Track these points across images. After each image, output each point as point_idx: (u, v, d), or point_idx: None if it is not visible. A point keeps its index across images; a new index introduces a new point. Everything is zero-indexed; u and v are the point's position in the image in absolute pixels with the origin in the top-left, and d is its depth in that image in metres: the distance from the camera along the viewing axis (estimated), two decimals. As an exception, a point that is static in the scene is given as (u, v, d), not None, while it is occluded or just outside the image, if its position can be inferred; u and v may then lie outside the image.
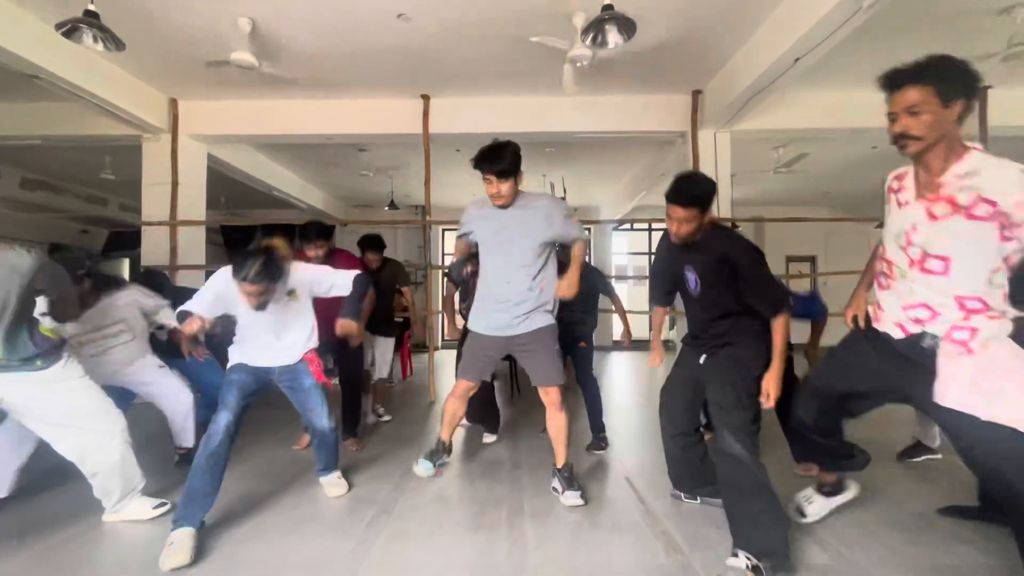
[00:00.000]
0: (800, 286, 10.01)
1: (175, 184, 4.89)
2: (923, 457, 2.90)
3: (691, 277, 2.05)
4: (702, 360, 2.09)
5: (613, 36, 2.44)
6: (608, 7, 2.40)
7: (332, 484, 2.53)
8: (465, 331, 2.72)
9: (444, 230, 10.18)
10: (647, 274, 10.56)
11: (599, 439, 3.15)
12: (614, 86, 4.66)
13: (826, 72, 4.19)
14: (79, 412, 2.06)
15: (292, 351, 2.35)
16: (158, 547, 1.84)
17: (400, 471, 2.85)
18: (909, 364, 1.55)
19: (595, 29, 2.45)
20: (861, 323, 1.72)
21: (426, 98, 4.84)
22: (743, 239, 2.04)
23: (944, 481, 2.63)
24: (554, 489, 2.47)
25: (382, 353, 3.81)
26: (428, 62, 4.19)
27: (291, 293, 2.30)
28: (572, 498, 2.34)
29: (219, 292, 2.16)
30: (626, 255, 10.71)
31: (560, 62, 3.61)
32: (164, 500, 2.25)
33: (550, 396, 2.38)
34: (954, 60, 1.38)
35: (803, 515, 2.08)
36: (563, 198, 7.53)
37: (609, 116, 4.89)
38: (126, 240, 9.74)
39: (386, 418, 3.99)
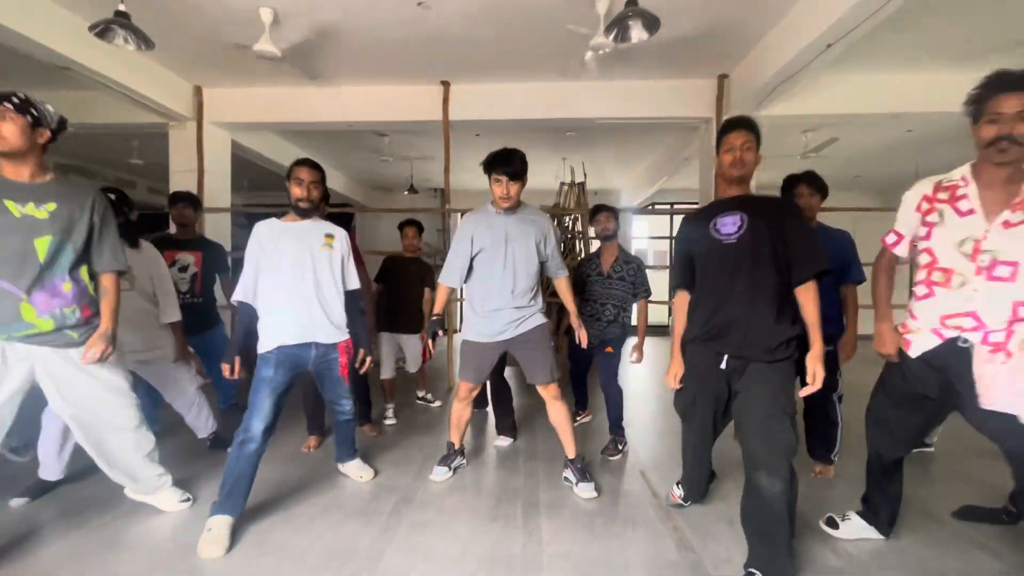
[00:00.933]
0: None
1: (201, 171, 5.00)
2: (916, 450, 2.90)
3: (731, 221, 1.81)
4: (724, 364, 1.84)
5: (637, 32, 2.38)
6: (632, 2, 2.34)
7: (358, 469, 2.64)
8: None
9: (463, 212, 10.20)
10: (667, 260, 10.43)
11: (615, 443, 3.03)
12: (636, 71, 4.56)
13: (861, 54, 4.02)
14: (98, 402, 1.96)
15: (330, 327, 2.26)
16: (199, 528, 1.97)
17: (421, 457, 2.95)
18: (944, 378, 1.61)
19: (618, 25, 2.39)
20: (906, 349, 1.72)
21: (446, 85, 4.81)
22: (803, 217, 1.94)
23: (950, 481, 2.61)
24: (566, 479, 2.55)
25: (412, 348, 3.74)
26: (448, 49, 4.15)
27: (329, 236, 2.29)
28: (586, 490, 2.41)
29: (258, 253, 2.17)
30: (647, 239, 10.58)
31: (582, 48, 3.55)
32: (189, 496, 2.28)
33: (549, 390, 2.46)
34: None
35: (833, 526, 2.06)
36: (583, 183, 7.46)
37: (631, 102, 4.79)
38: (156, 222, 10.05)
39: (436, 403, 4.17)
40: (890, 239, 1.80)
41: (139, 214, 2.62)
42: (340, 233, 2.36)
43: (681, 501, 2.30)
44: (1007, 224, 1.48)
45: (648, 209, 10.19)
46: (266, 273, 2.20)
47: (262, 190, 9.34)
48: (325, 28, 3.81)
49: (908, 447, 1.88)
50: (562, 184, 7.72)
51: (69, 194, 1.82)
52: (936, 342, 1.61)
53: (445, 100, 4.83)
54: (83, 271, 1.88)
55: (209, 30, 3.86)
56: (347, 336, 2.34)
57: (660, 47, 3.95)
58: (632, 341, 3.11)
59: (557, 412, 2.51)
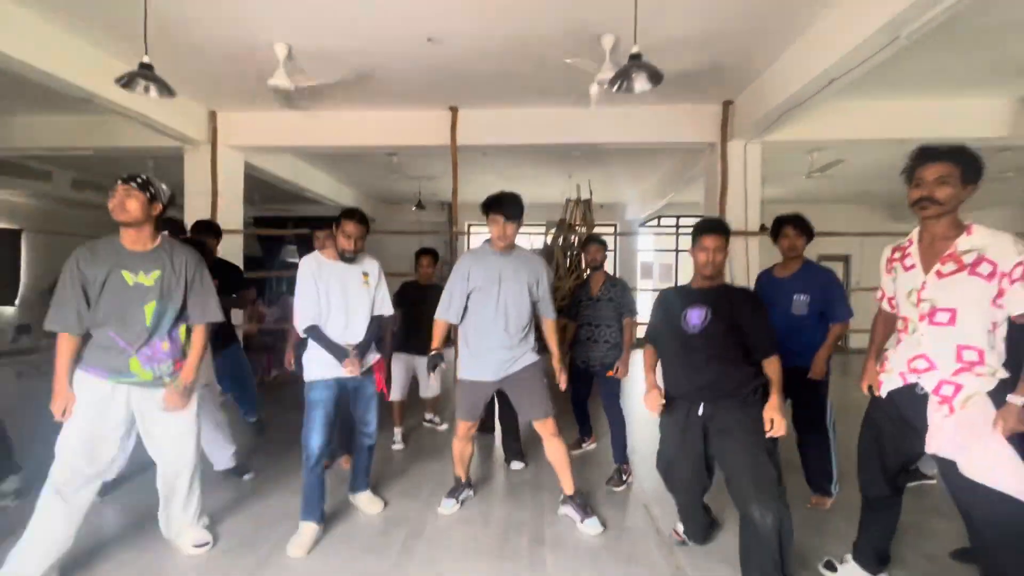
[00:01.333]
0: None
1: (215, 194, 5.12)
2: (917, 482, 2.97)
3: (696, 314, 2.06)
4: (701, 411, 2.05)
5: (640, 84, 2.46)
6: (636, 56, 2.41)
7: (370, 502, 2.72)
8: None
9: (470, 225, 10.29)
10: (673, 274, 10.45)
11: (620, 472, 3.10)
12: (641, 97, 4.61)
13: (865, 81, 4.03)
14: (188, 448, 2.21)
15: (369, 359, 2.54)
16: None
17: (429, 487, 3.02)
18: (903, 416, 1.79)
19: (622, 77, 2.47)
20: (877, 391, 1.89)
21: (454, 110, 4.91)
22: (761, 303, 2.13)
23: (951, 516, 2.64)
24: (566, 516, 2.60)
25: (424, 371, 3.78)
26: (456, 78, 4.25)
27: (365, 275, 2.53)
28: (592, 526, 2.47)
29: (312, 281, 2.40)
30: (652, 252, 10.62)
31: (587, 79, 3.63)
32: (208, 540, 2.31)
33: (546, 427, 2.51)
34: (977, 155, 1.65)
35: (832, 569, 2.12)
36: (589, 199, 7.53)
37: (636, 127, 4.85)
38: (167, 230, 10.24)
39: (443, 426, 4.21)
40: (877, 295, 2.04)
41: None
42: (374, 269, 2.60)
43: (684, 538, 2.36)
44: (939, 275, 1.67)
45: (653, 224, 10.24)
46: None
47: (272, 202, 9.49)
48: (337, 61, 3.91)
49: (884, 486, 1.92)
50: (568, 200, 7.80)
51: (170, 260, 2.08)
52: (899, 383, 1.79)
53: (453, 125, 4.92)
54: (182, 330, 2.18)
55: (225, 62, 3.98)
56: (379, 355, 2.61)
57: (668, 75, 3.99)
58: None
59: (555, 449, 2.55)
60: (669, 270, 10.44)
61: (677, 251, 10.16)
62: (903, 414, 1.78)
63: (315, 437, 2.34)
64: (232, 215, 5.37)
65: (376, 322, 2.57)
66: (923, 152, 1.71)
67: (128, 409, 2.09)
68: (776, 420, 1.92)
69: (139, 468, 2.65)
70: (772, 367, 2.01)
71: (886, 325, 2.04)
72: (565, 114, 4.89)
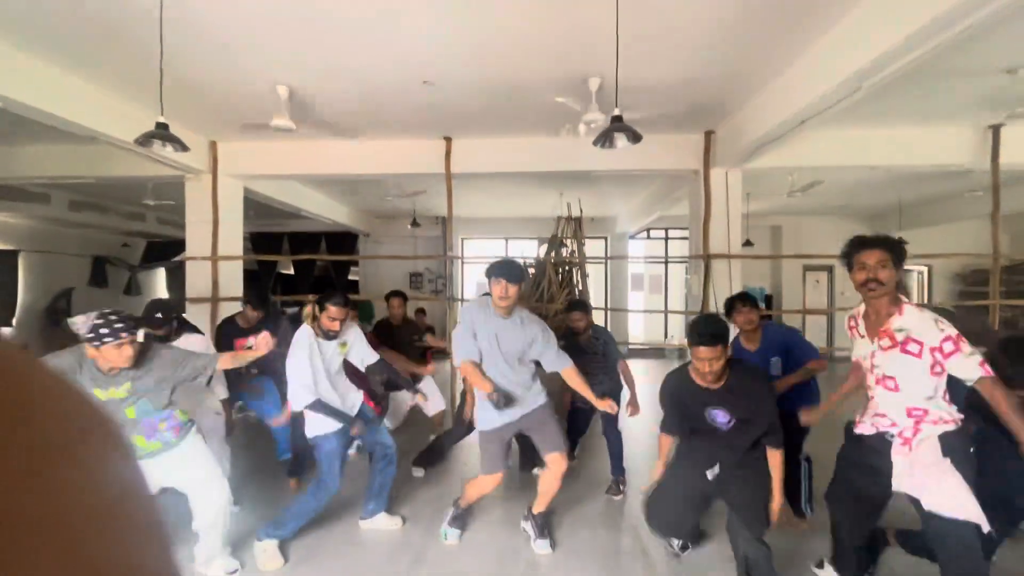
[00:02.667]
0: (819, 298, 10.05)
1: (215, 222, 5.26)
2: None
3: (721, 415, 2.24)
4: (711, 475, 2.30)
5: (621, 142, 2.66)
6: (617, 118, 2.62)
7: (388, 521, 2.96)
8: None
9: (463, 239, 10.48)
10: (662, 285, 10.64)
11: (617, 483, 3.44)
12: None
13: (839, 113, 4.28)
14: (213, 481, 2.40)
15: (352, 401, 2.84)
16: None
17: (430, 511, 3.17)
18: (878, 460, 1.99)
19: (604, 138, 2.67)
20: (814, 422, 2.29)
21: (448, 140, 5.09)
22: (766, 380, 2.35)
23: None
24: (523, 531, 2.82)
25: (427, 391, 3.95)
26: (450, 113, 4.44)
27: (343, 345, 2.78)
28: (542, 547, 2.71)
29: (305, 353, 2.61)
30: (643, 263, 10.85)
31: (575, 117, 3.83)
32: (237, 567, 2.50)
33: (558, 463, 2.64)
34: (902, 242, 1.94)
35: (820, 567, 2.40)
36: (579, 217, 7.73)
37: (622, 155, 5.00)
38: (163, 250, 10.32)
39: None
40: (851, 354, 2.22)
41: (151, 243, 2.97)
42: (352, 336, 2.88)
43: (677, 550, 2.62)
44: (881, 348, 1.93)
45: (641, 235, 10.47)
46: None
47: (267, 218, 9.60)
48: (336, 101, 4.09)
49: (862, 535, 2.18)
50: (559, 217, 8.00)
51: (143, 372, 2.19)
52: (872, 431, 2.04)
53: (447, 154, 5.11)
54: (177, 412, 2.38)
55: (228, 99, 4.13)
56: (362, 392, 2.91)
57: (650, 108, 4.20)
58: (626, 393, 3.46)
59: (549, 484, 2.71)
60: (659, 281, 10.66)
61: (667, 262, 10.40)
62: (871, 459, 2.01)
63: (332, 481, 2.65)
64: (232, 241, 5.51)
65: (376, 369, 2.87)
66: (862, 241, 1.95)
67: (152, 479, 2.23)
68: (774, 511, 2.22)
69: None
70: (775, 460, 2.22)
71: (855, 377, 2.22)
72: (555, 143, 5.08)
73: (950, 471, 1.79)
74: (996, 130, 4.66)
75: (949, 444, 1.83)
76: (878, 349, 1.94)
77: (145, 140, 2.67)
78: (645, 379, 7.81)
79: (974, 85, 3.82)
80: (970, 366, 1.76)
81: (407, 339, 4.19)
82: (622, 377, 3.46)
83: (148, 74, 2.98)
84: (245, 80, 3.73)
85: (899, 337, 1.87)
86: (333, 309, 2.63)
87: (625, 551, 2.74)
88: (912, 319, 1.87)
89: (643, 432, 5.00)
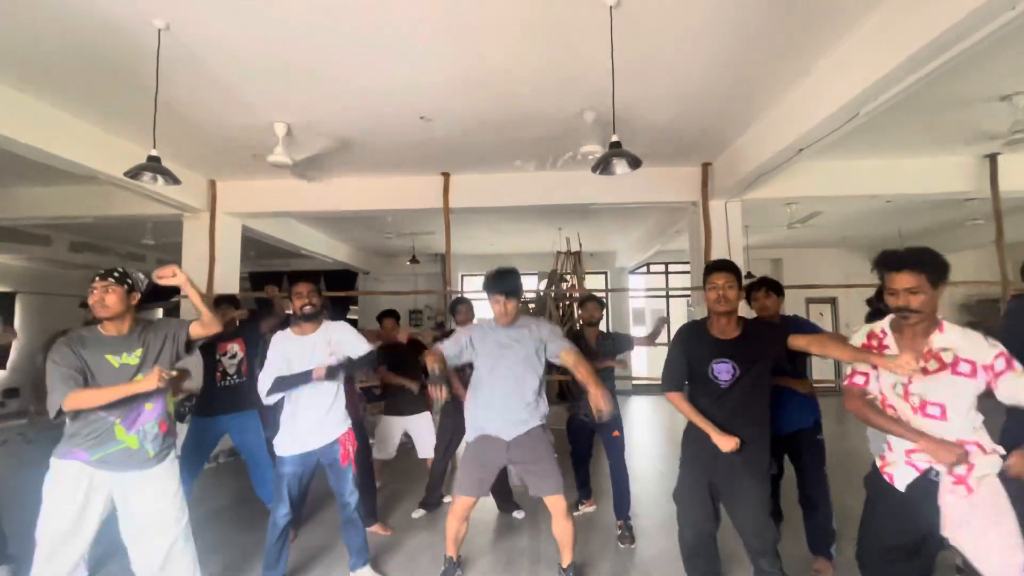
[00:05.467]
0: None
1: (212, 260, 5.22)
2: None
3: (725, 370, 2.12)
4: (716, 456, 2.11)
5: (621, 168, 2.63)
6: (615, 144, 2.60)
7: None
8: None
9: (464, 276, 10.45)
10: (665, 315, 10.55)
11: (629, 528, 3.21)
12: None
13: (836, 144, 4.30)
14: (169, 519, 2.15)
15: (332, 428, 2.61)
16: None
17: (426, 561, 2.97)
18: (924, 507, 1.70)
19: (603, 164, 2.65)
20: (891, 482, 1.80)
21: (446, 175, 5.11)
22: (783, 329, 2.19)
23: None
24: None
25: (418, 431, 3.83)
26: (447, 149, 4.46)
27: (329, 343, 2.64)
28: None
29: (279, 354, 2.53)
30: (644, 297, 10.77)
31: (572, 148, 3.85)
32: None
33: (558, 505, 2.42)
34: (941, 257, 1.70)
35: None
36: (578, 252, 7.71)
37: (622, 188, 5.04)
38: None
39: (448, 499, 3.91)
40: (856, 379, 1.90)
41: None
42: (337, 330, 2.69)
43: None
44: (925, 371, 1.68)
45: (641, 270, 10.44)
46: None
47: (268, 258, 9.61)
48: (334, 137, 4.12)
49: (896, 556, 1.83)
50: (559, 252, 7.99)
51: (151, 337, 2.17)
52: (915, 474, 1.73)
53: (445, 189, 5.11)
54: (168, 396, 2.25)
55: (226, 138, 4.16)
56: (348, 426, 2.66)
57: (647, 140, 4.22)
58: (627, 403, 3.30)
59: (563, 530, 2.46)
60: (660, 312, 10.54)
61: (668, 296, 10.31)
62: (914, 509, 1.72)
63: (282, 506, 2.52)
64: (229, 280, 5.45)
65: (367, 362, 2.71)
66: (886, 259, 1.75)
67: (107, 494, 2.07)
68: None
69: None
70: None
71: (864, 402, 1.92)
72: (553, 176, 5.10)
73: (1010, 523, 1.59)
74: (993, 158, 4.67)
75: (1012, 487, 1.62)
76: (919, 375, 1.68)
77: (136, 172, 2.64)
78: (650, 417, 7.63)
79: (970, 113, 3.83)
80: None
81: (411, 360, 3.86)
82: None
83: (145, 112, 2.99)
84: (243, 118, 3.76)
85: (947, 357, 1.66)
86: (298, 285, 2.60)
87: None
88: (956, 336, 1.68)
89: (651, 470, 4.78)
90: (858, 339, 1.90)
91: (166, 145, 3.26)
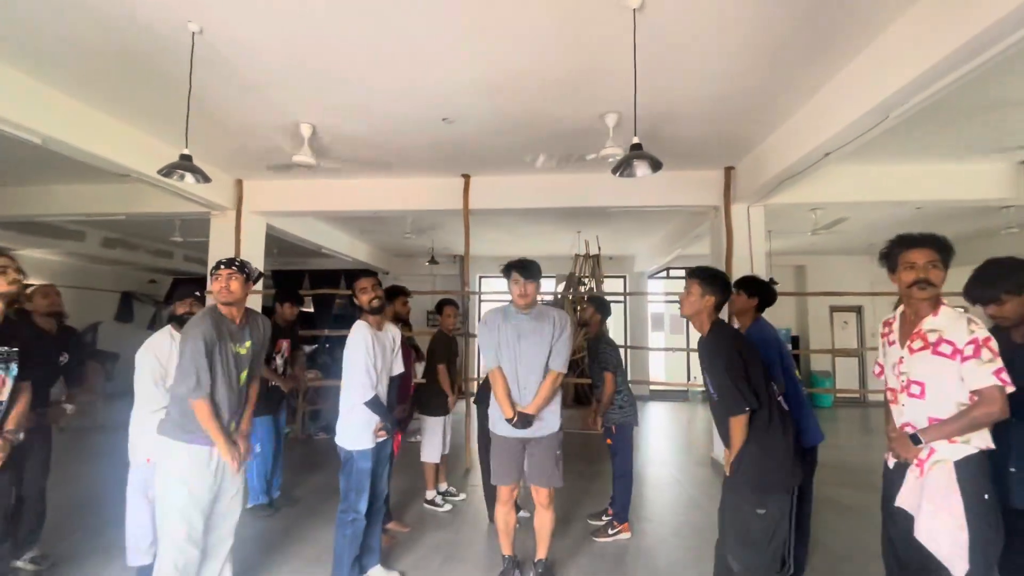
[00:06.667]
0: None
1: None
2: None
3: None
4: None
5: (642, 170, 2.62)
6: (636, 146, 2.59)
7: (385, 574, 2.70)
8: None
9: (481, 277, 10.48)
10: (684, 324, 10.40)
11: (610, 523, 3.30)
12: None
13: (865, 147, 4.21)
14: (234, 498, 2.36)
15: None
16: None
17: (439, 559, 2.99)
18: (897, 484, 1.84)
19: (624, 166, 2.64)
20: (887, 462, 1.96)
21: (466, 177, 5.15)
22: (726, 336, 2.12)
23: None
24: None
25: (432, 433, 3.75)
26: (468, 150, 4.50)
27: (393, 340, 2.75)
28: None
29: (367, 348, 2.52)
30: (663, 302, 10.66)
31: (593, 150, 3.84)
32: None
33: (540, 495, 2.57)
34: (951, 242, 1.84)
35: None
36: (597, 255, 7.68)
37: (642, 191, 5.02)
38: (188, 286, 10.55)
39: (462, 496, 3.98)
40: (877, 372, 2.11)
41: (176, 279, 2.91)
42: (395, 336, 2.80)
43: None
44: (911, 350, 1.82)
45: (661, 275, 10.33)
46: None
47: (290, 256, 9.79)
48: (357, 138, 4.19)
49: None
50: (577, 255, 7.96)
51: (256, 335, 2.35)
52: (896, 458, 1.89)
53: (465, 191, 5.15)
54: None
55: (253, 138, 4.26)
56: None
57: (669, 143, 4.19)
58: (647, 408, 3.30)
59: (544, 520, 2.63)
60: (680, 321, 10.43)
61: (687, 302, 10.16)
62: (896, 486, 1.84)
63: (363, 500, 2.53)
64: (252, 276, 5.57)
65: (395, 383, 2.78)
66: (908, 239, 1.86)
67: (218, 476, 2.22)
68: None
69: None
70: (733, 423, 1.99)
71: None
72: (573, 179, 5.10)
73: (956, 504, 1.66)
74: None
75: (967, 473, 1.67)
76: (907, 353, 1.83)
77: (169, 171, 2.73)
78: (669, 423, 7.54)
79: (1005, 118, 3.72)
80: (983, 374, 1.65)
81: (443, 356, 3.85)
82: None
83: (176, 112, 3.09)
84: (270, 119, 3.85)
85: (931, 338, 1.77)
86: (361, 280, 2.62)
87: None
88: (946, 319, 1.77)
89: (666, 477, 4.73)
90: (879, 335, 2.07)
91: (196, 145, 3.34)
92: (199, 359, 2.07)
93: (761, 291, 2.68)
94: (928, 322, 1.80)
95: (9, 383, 2.08)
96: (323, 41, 2.83)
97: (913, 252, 1.82)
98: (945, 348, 1.74)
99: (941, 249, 1.81)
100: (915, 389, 1.80)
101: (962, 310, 1.80)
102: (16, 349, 2.09)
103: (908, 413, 1.83)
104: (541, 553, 2.66)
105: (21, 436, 2.13)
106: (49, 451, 2.82)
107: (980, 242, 7.56)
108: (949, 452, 1.71)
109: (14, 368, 2.08)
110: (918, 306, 1.83)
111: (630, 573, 2.87)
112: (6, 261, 2.01)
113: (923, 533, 1.71)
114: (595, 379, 3.43)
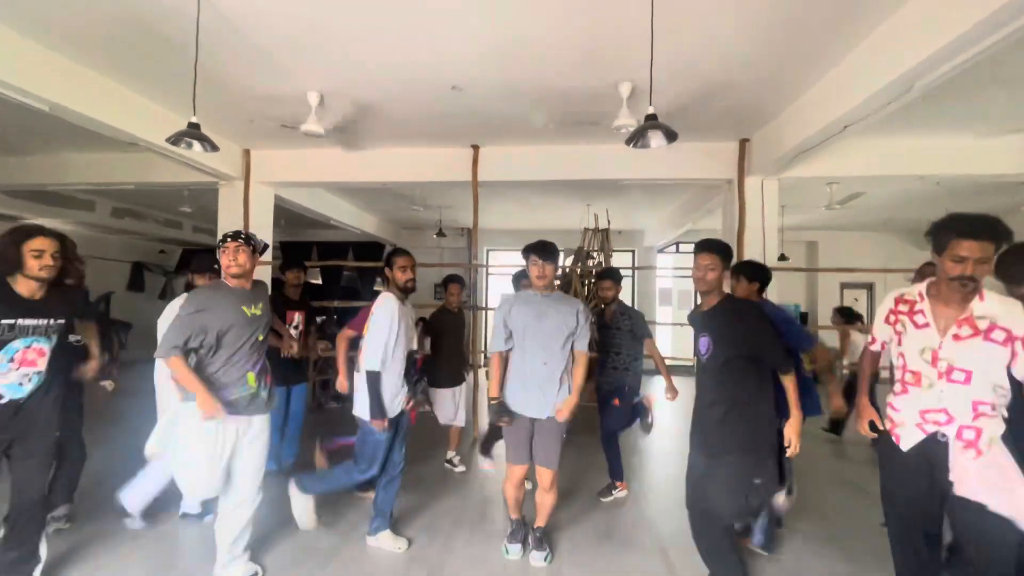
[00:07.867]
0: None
1: (247, 228, 5.34)
2: None
3: (704, 343, 2.20)
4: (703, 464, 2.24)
5: (656, 141, 2.55)
6: (651, 116, 2.52)
7: (393, 541, 2.78)
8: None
9: (489, 250, 10.45)
10: (693, 299, 10.41)
11: (611, 486, 3.47)
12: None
13: (884, 120, 4.08)
14: (257, 468, 2.45)
15: (405, 394, 2.75)
16: None
17: (448, 523, 3.07)
18: (930, 466, 1.82)
19: (638, 136, 2.57)
20: (878, 424, 1.99)
21: (476, 148, 5.07)
22: (754, 312, 2.21)
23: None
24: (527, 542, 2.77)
25: (440, 404, 3.90)
26: (478, 120, 4.41)
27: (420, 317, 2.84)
28: (537, 559, 2.64)
29: (394, 322, 2.57)
30: (671, 277, 10.60)
31: (605, 121, 3.76)
32: (256, 570, 2.47)
33: (543, 478, 2.62)
34: (1009, 229, 1.70)
35: None
36: (607, 229, 7.60)
37: (654, 163, 4.93)
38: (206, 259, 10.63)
39: (460, 468, 4.01)
40: (868, 338, 2.10)
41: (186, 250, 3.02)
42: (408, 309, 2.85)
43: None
44: (956, 338, 1.75)
45: (670, 249, 10.25)
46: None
47: (297, 227, 9.80)
48: (365, 107, 4.12)
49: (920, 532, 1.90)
50: (586, 229, 7.88)
51: (264, 298, 2.47)
52: (921, 436, 1.83)
53: (475, 162, 5.08)
54: (265, 360, 2.50)
55: (260, 106, 4.21)
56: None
57: (683, 113, 4.08)
58: (652, 383, 3.35)
59: (543, 500, 2.70)
60: (688, 296, 10.39)
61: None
62: (927, 466, 1.82)
63: (374, 470, 2.67)
64: (262, 247, 5.59)
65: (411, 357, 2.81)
66: (958, 223, 1.70)
67: (234, 439, 2.30)
68: (793, 440, 2.10)
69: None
70: (787, 381, 2.11)
71: (873, 364, 2.14)
72: (584, 150, 5.01)
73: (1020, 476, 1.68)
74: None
75: (1009, 445, 1.70)
76: (950, 340, 1.75)
77: (177, 139, 2.71)
78: (670, 413, 7.57)
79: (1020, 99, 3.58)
80: None
81: (462, 331, 3.99)
82: (653, 358, 3.45)
83: (184, 79, 3.04)
84: (278, 86, 3.79)
85: (981, 325, 1.71)
86: (402, 259, 2.69)
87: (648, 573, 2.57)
88: (995, 305, 1.72)
89: (675, 452, 4.78)
90: (884, 308, 1.97)
91: (203, 113, 3.31)
92: (180, 324, 2.17)
93: (761, 275, 2.75)
94: (977, 307, 1.73)
95: (47, 354, 2.17)
96: (330, 6, 2.75)
97: (966, 244, 1.66)
98: (998, 335, 1.69)
99: (998, 239, 1.68)
100: (958, 376, 1.74)
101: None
102: (62, 321, 2.22)
103: (947, 398, 1.76)
104: (540, 522, 2.75)
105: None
106: (82, 405, 2.97)
107: (1003, 219, 7.40)
108: (995, 428, 1.72)
109: (55, 339, 2.20)
110: (953, 295, 1.76)
111: (635, 542, 2.94)
112: (43, 244, 2.07)
113: (1009, 508, 1.65)
114: (615, 348, 3.41)
